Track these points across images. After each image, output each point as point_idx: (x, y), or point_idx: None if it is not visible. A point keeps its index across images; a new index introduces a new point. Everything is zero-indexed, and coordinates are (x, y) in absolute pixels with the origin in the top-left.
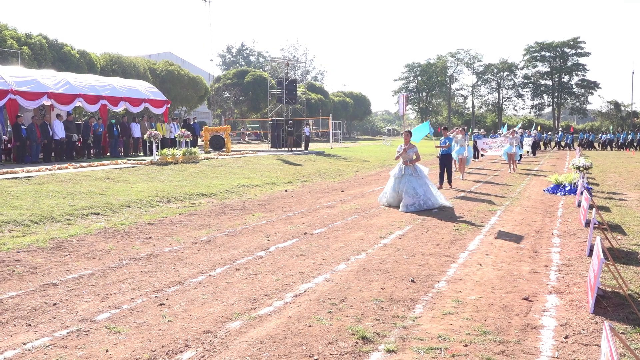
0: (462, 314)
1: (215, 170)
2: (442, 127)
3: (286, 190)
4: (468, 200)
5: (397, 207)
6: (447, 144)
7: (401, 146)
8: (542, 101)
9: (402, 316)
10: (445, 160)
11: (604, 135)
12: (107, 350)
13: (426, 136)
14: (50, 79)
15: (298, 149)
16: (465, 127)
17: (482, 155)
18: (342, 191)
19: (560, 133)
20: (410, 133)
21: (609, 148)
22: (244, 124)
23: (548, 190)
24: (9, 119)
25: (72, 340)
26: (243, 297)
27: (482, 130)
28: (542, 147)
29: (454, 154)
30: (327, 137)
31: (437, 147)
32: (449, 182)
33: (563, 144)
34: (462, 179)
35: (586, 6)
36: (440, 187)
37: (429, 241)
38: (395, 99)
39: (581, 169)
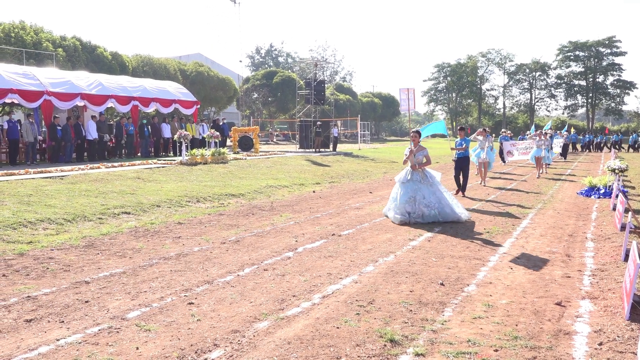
0: (493, 318)
1: (244, 170)
2: (459, 127)
3: (314, 191)
4: (485, 211)
5: (407, 219)
6: (463, 146)
7: (409, 148)
8: (576, 102)
9: (431, 319)
10: (461, 164)
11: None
12: (137, 348)
13: (441, 136)
14: (84, 80)
15: (326, 149)
16: (487, 129)
17: (507, 160)
18: (370, 192)
19: (588, 135)
20: (418, 133)
21: None
22: (272, 124)
23: (582, 193)
24: (44, 119)
25: (104, 337)
26: (271, 297)
27: (508, 131)
28: (574, 149)
29: (472, 158)
30: (355, 138)
31: (452, 149)
32: (463, 190)
33: (605, 145)
34: (484, 185)
35: (622, 4)
36: (457, 194)
37: (458, 244)
38: (425, 100)
39: (616, 171)
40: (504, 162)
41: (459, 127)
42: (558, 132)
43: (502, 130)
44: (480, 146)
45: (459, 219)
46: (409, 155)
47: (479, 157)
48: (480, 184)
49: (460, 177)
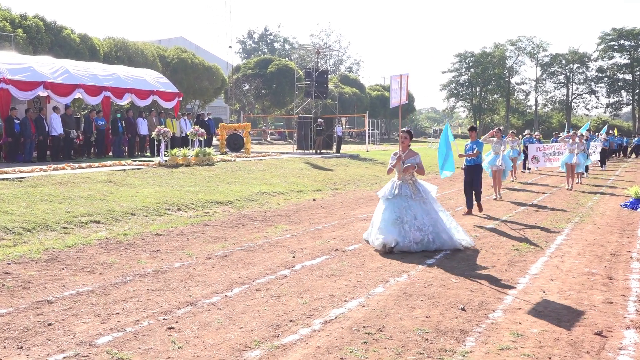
0: (522, 349)
1: (233, 174)
2: (469, 127)
3: (314, 199)
4: (513, 224)
5: (391, 246)
6: (474, 151)
7: (396, 153)
8: (620, 99)
9: (450, 350)
10: (471, 174)
11: None
12: None
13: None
14: (47, 66)
15: (328, 151)
16: (502, 128)
17: (530, 167)
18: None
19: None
20: (409, 133)
21: None
22: (266, 121)
23: (626, 205)
24: (1, 112)
25: None
26: (264, 322)
27: (536, 132)
28: (623, 154)
29: (485, 165)
30: (363, 138)
31: (461, 155)
32: (478, 204)
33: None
34: (499, 198)
35: None
36: (469, 213)
37: (482, 262)
38: (444, 94)
39: None
40: (526, 169)
41: (469, 127)
42: (597, 134)
43: (526, 131)
44: (495, 150)
45: (458, 247)
46: (396, 163)
47: (493, 164)
48: (495, 199)
49: (471, 190)
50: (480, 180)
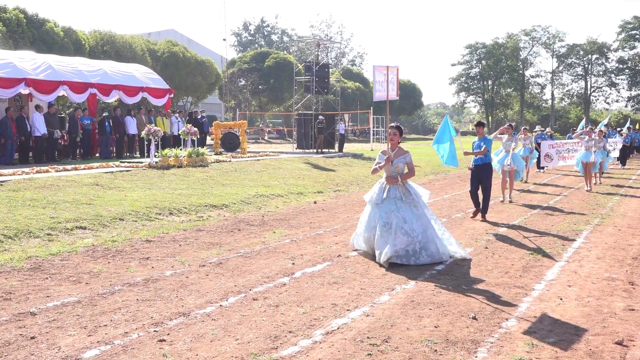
0: None
1: (228, 175)
2: (476, 123)
3: (315, 202)
4: (526, 228)
5: (379, 260)
6: (482, 149)
7: (384, 152)
8: None
9: None
10: (479, 175)
11: None
12: None
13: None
14: (29, 62)
15: (330, 150)
16: (513, 124)
17: (544, 167)
18: None
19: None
20: (399, 129)
21: None
22: (263, 118)
23: None
24: None
25: None
26: (262, 333)
27: (547, 129)
28: None
29: (495, 164)
30: (367, 136)
31: (466, 153)
32: (484, 211)
33: None
34: (509, 201)
35: None
36: (475, 216)
37: (494, 268)
38: (454, 89)
39: None
40: (540, 168)
41: (475, 123)
42: (618, 129)
43: (537, 127)
44: (505, 148)
45: (453, 256)
46: (385, 163)
47: (502, 163)
48: (502, 201)
49: (480, 193)
50: (490, 182)
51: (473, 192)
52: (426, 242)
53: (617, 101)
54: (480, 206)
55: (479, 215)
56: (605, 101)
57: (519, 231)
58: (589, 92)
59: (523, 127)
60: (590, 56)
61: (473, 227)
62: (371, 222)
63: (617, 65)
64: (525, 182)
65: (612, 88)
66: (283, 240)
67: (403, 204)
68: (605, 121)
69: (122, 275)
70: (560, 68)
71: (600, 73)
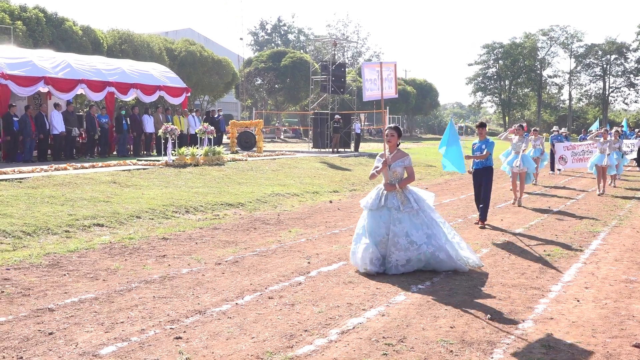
0: None
1: (244, 174)
2: (478, 124)
3: (331, 201)
4: (543, 227)
5: (376, 269)
6: (483, 152)
7: (382, 155)
8: None
9: None
10: (479, 179)
11: None
12: None
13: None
14: (48, 60)
15: (346, 149)
16: (524, 124)
17: (560, 169)
18: None
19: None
20: (397, 130)
21: None
22: (279, 117)
23: None
24: None
25: None
26: (277, 332)
27: (562, 129)
28: None
29: (504, 166)
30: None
31: (467, 157)
32: (482, 217)
33: None
34: (518, 204)
35: None
36: (479, 223)
37: (511, 269)
38: (470, 88)
39: None
40: (554, 171)
41: (477, 124)
42: (637, 130)
43: (554, 127)
44: (515, 149)
45: (460, 268)
46: (382, 167)
47: (512, 165)
48: (513, 203)
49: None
50: (490, 186)
51: (477, 197)
52: (433, 251)
53: (635, 102)
54: (480, 212)
55: (481, 222)
56: (623, 102)
57: (535, 232)
58: (607, 92)
59: (534, 129)
60: (609, 56)
61: (485, 233)
62: (370, 232)
63: (636, 65)
64: (534, 184)
65: (631, 89)
66: (299, 239)
67: (402, 214)
68: (624, 123)
69: (139, 273)
70: (578, 68)
71: (619, 73)
